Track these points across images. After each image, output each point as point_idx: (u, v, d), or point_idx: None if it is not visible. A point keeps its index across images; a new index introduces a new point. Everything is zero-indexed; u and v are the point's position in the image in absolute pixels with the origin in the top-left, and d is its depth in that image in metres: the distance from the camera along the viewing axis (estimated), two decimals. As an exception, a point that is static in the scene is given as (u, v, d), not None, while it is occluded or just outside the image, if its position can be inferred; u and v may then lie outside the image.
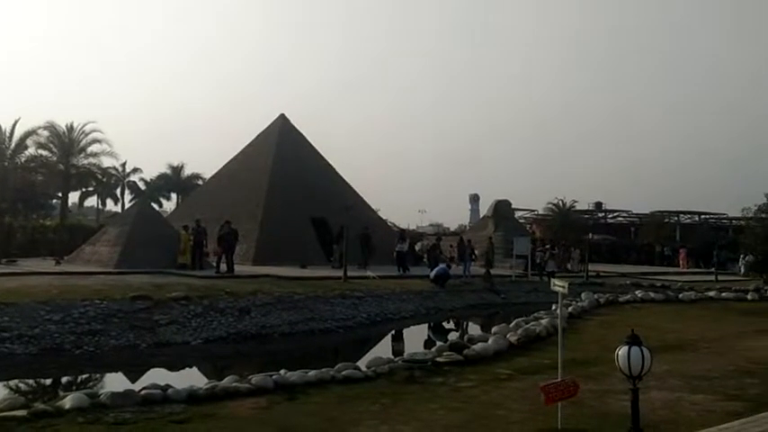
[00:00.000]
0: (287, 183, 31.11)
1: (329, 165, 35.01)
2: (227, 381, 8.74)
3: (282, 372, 9.12)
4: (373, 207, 37.50)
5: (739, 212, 33.48)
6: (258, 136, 35.06)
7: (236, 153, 35.41)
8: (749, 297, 22.91)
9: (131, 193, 61.75)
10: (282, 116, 35.02)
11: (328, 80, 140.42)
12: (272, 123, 34.99)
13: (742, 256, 34.29)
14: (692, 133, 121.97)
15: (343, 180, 34.94)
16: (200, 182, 54.64)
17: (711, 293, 23.23)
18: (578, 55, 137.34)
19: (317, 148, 35.14)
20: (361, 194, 35.16)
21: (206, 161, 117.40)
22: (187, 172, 63.60)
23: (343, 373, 9.29)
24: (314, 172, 32.92)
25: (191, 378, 11.71)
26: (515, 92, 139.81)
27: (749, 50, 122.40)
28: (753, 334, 14.27)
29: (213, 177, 36.97)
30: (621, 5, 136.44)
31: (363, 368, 9.78)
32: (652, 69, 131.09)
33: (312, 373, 9.13)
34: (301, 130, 35.16)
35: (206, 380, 9.61)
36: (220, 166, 35.84)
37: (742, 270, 32.95)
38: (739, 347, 12.42)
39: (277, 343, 15.90)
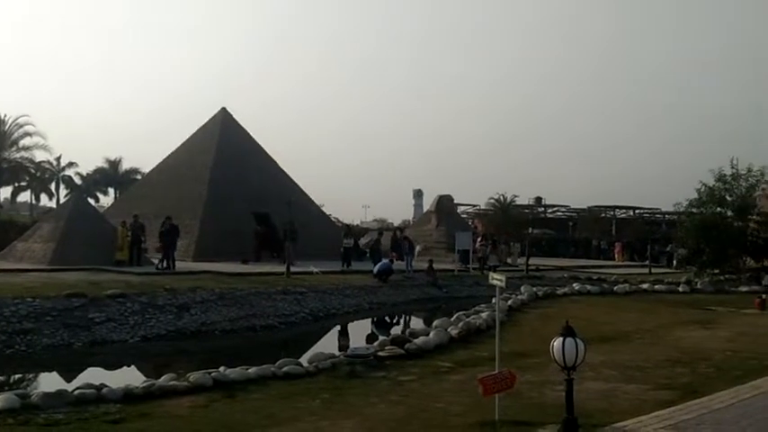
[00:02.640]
0: (228, 177, 30.73)
1: (272, 159, 34.72)
2: (165, 379, 8.58)
3: (222, 369, 9.00)
4: (317, 202, 37.45)
5: (672, 207, 34.62)
6: (199, 130, 34.47)
7: (175, 147, 34.79)
8: (680, 289, 23.76)
9: (66, 188, 60.02)
10: (224, 110, 34.53)
11: (271, 74, 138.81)
12: (213, 117, 34.46)
13: (672, 247, 35.56)
14: (628, 131, 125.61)
15: (287, 175, 34.70)
16: (139, 176, 53.48)
17: (645, 286, 24.00)
18: (522, 52, 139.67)
19: (259, 142, 34.85)
20: (304, 189, 35.04)
21: (145, 155, 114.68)
22: (125, 166, 62.19)
23: (285, 369, 9.23)
24: (256, 167, 32.61)
25: (128, 377, 11.46)
26: (457, 88, 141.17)
27: (694, 47, 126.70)
28: (683, 325, 14.80)
29: (152, 172, 36.22)
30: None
31: (305, 364, 9.75)
32: (591, 65, 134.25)
33: (252, 369, 9.05)
34: (243, 124, 34.82)
35: (144, 378, 9.42)
36: (160, 160, 35.18)
37: (674, 263, 34.09)
38: (671, 338, 12.87)
39: (218, 340, 15.70)
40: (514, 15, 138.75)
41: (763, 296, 18.72)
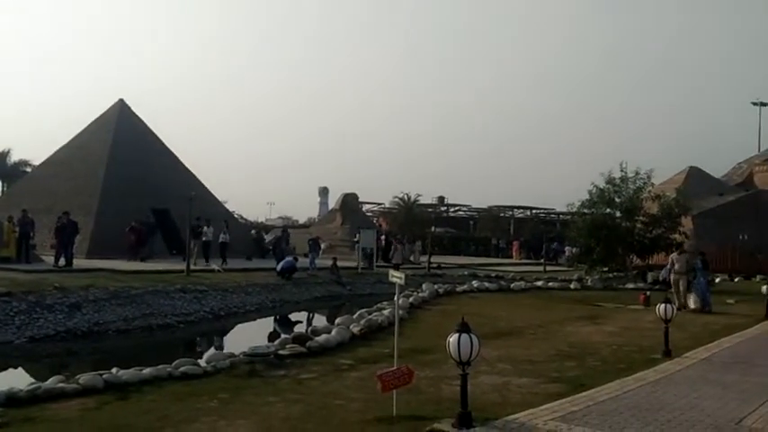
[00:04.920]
0: (125, 172, 29.59)
1: (173, 154, 33.70)
2: (52, 381, 8.18)
3: (114, 370, 8.67)
4: (220, 199, 36.76)
5: (565, 208, 36.18)
6: (93, 121, 32.95)
7: (69, 139, 33.14)
8: (572, 286, 24.89)
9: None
10: (121, 101, 33.17)
11: (172, 66, 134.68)
12: (110, 108, 33.01)
13: (567, 246, 37.17)
14: (518, 134, 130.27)
15: (188, 170, 33.78)
16: (29, 169, 50.60)
17: (539, 283, 24.99)
18: (429, 49, 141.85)
19: (160, 136, 33.76)
20: (207, 186, 34.27)
21: (35, 147, 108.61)
22: (14, 158, 58.66)
23: (181, 369, 8.99)
24: (156, 161, 31.56)
25: (12, 380, 10.81)
26: (364, 84, 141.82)
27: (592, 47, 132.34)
28: (574, 320, 15.50)
29: (43, 165, 34.32)
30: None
31: (203, 364, 9.54)
32: (483, 71, 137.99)
33: (147, 370, 8.76)
34: (143, 118, 33.62)
35: (30, 381, 8.96)
36: (51, 152, 33.40)
37: (568, 261, 35.62)
38: (562, 333, 13.45)
39: (112, 340, 15.13)
40: (416, 12, 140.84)
41: (648, 293, 19.87)
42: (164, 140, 33.78)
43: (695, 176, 50.58)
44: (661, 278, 22.65)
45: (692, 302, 17.83)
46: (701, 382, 8.59)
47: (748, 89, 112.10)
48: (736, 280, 32.42)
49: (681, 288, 18.20)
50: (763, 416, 6.95)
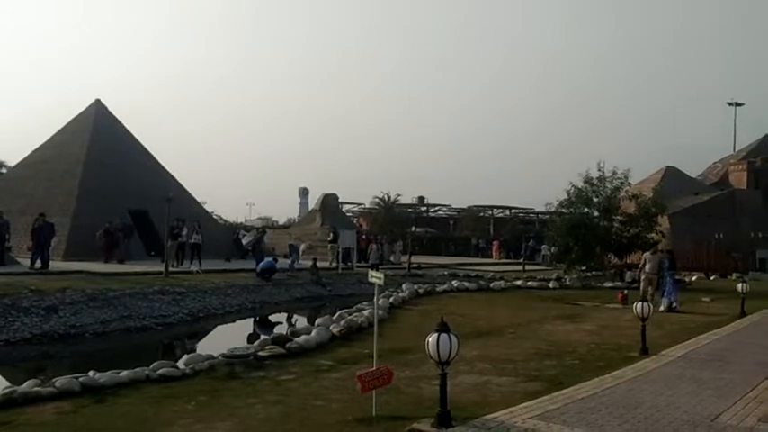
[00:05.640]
0: (103, 173, 29.24)
1: (150, 155, 33.38)
2: (28, 385, 8.06)
3: (91, 373, 8.58)
4: (199, 200, 36.49)
5: (544, 207, 36.39)
6: (70, 122, 32.54)
7: (45, 140, 32.70)
8: (551, 285, 25.04)
9: None
10: (98, 101, 32.79)
11: (145, 70, 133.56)
12: (87, 109, 32.61)
13: (545, 246, 37.42)
14: (499, 134, 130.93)
15: (166, 171, 33.49)
16: (4, 170, 49.88)
17: (519, 282, 25.11)
18: (406, 51, 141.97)
19: (137, 137, 33.43)
20: (185, 187, 33.99)
21: (11, 148, 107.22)
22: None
23: (159, 371, 8.91)
24: (133, 162, 31.23)
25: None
26: (345, 85, 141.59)
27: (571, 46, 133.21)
28: (553, 319, 15.61)
29: (19, 166, 33.83)
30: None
31: (181, 365, 9.47)
32: (450, 69, 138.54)
33: (124, 373, 8.67)
34: (121, 119, 33.26)
35: (6, 385, 8.84)
36: (27, 153, 32.94)
37: (547, 260, 35.85)
38: (541, 332, 13.54)
39: (89, 343, 14.93)
40: (405, 14, 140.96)
41: (626, 291, 20.03)
42: (142, 142, 33.50)
43: (672, 176, 51.23)
44: (633, 278, 22.77)
45: (660, 303, 17.84)
46: (678, 380, 8.69)
47: (725, 90, 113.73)
48: (711, 278, 32.86)
49: (651, 288, 18.24)
50: (738, 412, 7.05)
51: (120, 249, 25.84)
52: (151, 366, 9.11)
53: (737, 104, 61.52)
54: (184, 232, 25.89)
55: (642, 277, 18.63)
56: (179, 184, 33.27)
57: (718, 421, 6.70)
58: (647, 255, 19.37)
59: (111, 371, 8.73)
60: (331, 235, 31.88)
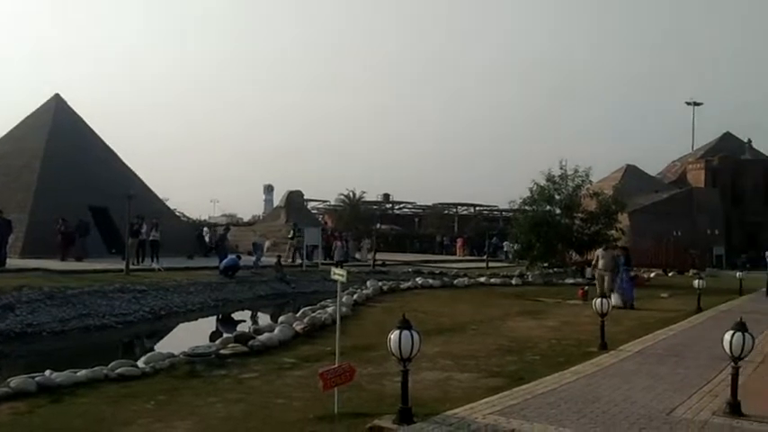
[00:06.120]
0: (62, 168, 28.69)
1: (112, 151, 32.83)
2: (-19, 386, 7.88)
3: (47, 372, 8.40)
4: (161, 196, 36.00)
5: (507, 205, 36.76)
6: (28, 117, 31.82)
7: (1, 135, 31.93)
8: (514, 282, 25.29)
9: None
10: (57, 96, 32.12)
11: (108, 69, 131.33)
12: (46, 104, 31.94)
13: (508, 243, 37.78)
14: (463, 132, 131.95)
15: (128, 167, 32.96)
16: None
17: (482, 279, 25.30)
18: (383, 52, 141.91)
19: (98, 133, 32.83)
20: (147, 183, 33.52)
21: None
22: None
23: (118, 370, 8.77)
24: (94, 158, 30.68)
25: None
26: (307, 83, 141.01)
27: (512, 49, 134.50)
28: (515, 315, 15.77)
29: (-27, 161, 32.98)
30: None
31: (141, 364, 9.34)
32: (427, 66, 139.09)
33: (82, 372, 8.52)
34: (81, 115, 32.60)
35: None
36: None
37: (510, 257, 36.19)
38: (503, 328, 13.66)
39: (46, 342, 14.63)
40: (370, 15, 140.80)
41: (586, 288, 20.30)
42: (103, 138, 32.91)
43: (632, 174, 52.22)
44: (589, 275, 22.87)
45: (614, 299, 17.86)
46: (635, 375, 8.84)
47: (684, 89, 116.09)
48: (670, 274, 33.56)
49: (605, 285, 17.86)
50: (693, 406, 7.20)
51: (77, 247, 25.34)
52: (110, 365, 8.96)
53: (696, 104, 62.85)
54: (144, 229, 25.53)
55: (597, 275, 18.49)
56: (141, 180, 32.81)
57: (673, 415, 6.83)
58: (599, 252, 19.22)
59: (69, 370, 8.57)
60: (291, 232, 31.74)
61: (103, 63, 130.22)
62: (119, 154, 33.12)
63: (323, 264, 28.48)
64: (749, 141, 57.22)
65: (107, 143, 32.90)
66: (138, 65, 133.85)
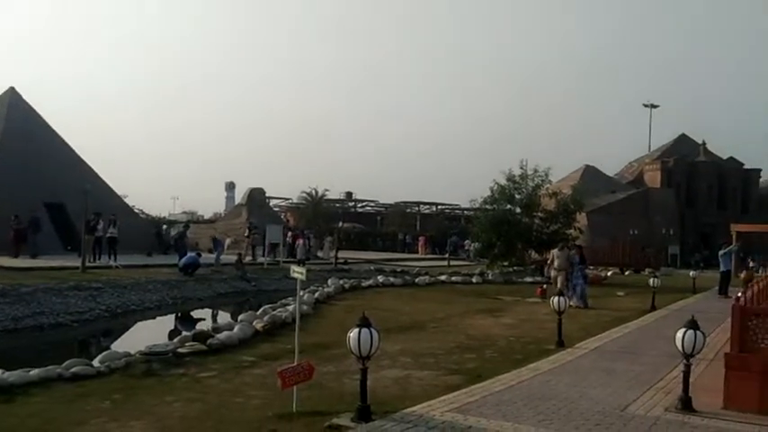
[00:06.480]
0: (16, 163, 27.92)
1: (69, 146, 32.09)
2: (-72, 386, 7.65)
3: (-1, 372, 8.22)
4: (119, 193, 35.37)
5: (469, 204, 37.06)
6: (-19, 111, 30.93)
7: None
8: (474, 280, 25.48)
9: None
10: (12, 89, 31.26)
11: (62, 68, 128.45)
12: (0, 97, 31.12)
13: (468, 242, 38.10)
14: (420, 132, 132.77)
15: (86, 163, 32.24)
16: None
17: (443, 277, 25.44)
18: (339, 53, 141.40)
19: (56, 128, 32.06)
20: (106, 180, 32.85)
21: None
22: None
23: (73, 369, 8.59)
24: (50, 153, 29.90)
25: None
26: (269, 81, 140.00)
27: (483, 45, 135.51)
28: (474, 313, 15.90)
29: None
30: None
31: (96, 363, 9.15)
32: (377, 67, 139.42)
33: (35, 371, 8.31)
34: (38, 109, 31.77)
35: None
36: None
37: (471, 255, 36.50)
38: (462, 326, 13.76)
39: (-2, 341, 14.28)
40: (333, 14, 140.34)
41: (545, 286, 20.56)
42: (60, 133, 32.17)
43: (590, 174, 53.12)
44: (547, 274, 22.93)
45: (571, 299, 17.99)
46: (591, 372, 9.01)
47: (642, 91, 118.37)
48: (626, 273, 34.20)
49: (560, 284, 17.70)
50: (646, 402, 7.36)
51: (29, 244, 24.72)
52: (64, 365, 8.77)
53: (653, 106, 64.15)
54: (100, 226, 25.06)
55: (552, 274, 18.68)
56: (99, 176, 32.15)
57: (627, 411, 6.98)
58: (554, 251, 19.43)
59: (21, 369, 8.36)
60: (246, 230, 31.51)
61: (55, 59, 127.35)
62: (76, 149, 32.42)
63: (285, 262, 28.33)
64: (704, 143, 58.66)
65: (64, 138, 32.18)
66: (97, 64, 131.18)
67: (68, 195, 27.13)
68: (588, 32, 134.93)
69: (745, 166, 57.72)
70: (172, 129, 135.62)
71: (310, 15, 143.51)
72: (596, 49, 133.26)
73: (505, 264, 29.15)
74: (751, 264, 33.50)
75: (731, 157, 57.94)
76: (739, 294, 8.16)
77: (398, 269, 28.84)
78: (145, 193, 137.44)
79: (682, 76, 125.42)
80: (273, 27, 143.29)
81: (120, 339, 15.92)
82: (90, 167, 32.26)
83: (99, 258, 24.54)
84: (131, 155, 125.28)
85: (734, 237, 35.93)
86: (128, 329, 17.20)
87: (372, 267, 29.37)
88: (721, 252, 22.82)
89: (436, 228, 53.13)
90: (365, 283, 22.18)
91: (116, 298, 18.62)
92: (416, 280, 24.34)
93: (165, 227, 35.85)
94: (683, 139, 60.25)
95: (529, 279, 26.32)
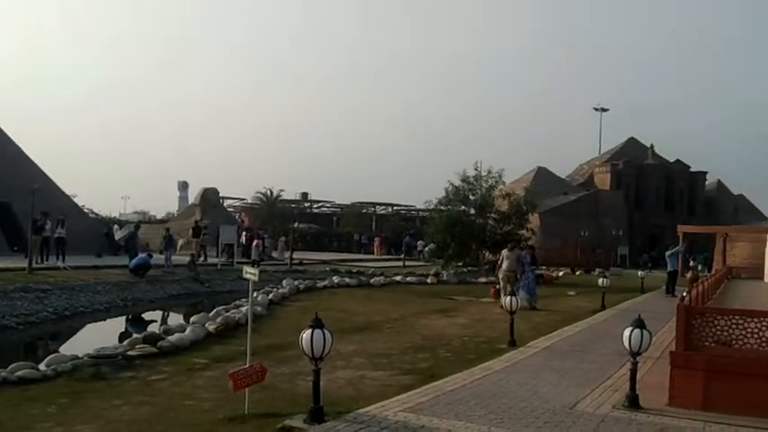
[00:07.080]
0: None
1: (15, 144, 31.16)
2: None
3: (-60, 377, 7.95)
4: (69, 192, 34.52)
5: (424, 204, 37.25)
6: None
7: None
8: (429, 281, 25.65)
9: None
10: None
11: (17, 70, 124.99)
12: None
13: (422, 243, 38.32)
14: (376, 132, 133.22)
15: (33, 162, 31.36)
16: None
17: (398, 278, 25.54)
18: (295, 56, 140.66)
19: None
20: (54, 179, 32.02)
21: None
22: None
23: (18, 373, 8.38)
24: (-5, 151, 29.06)
25: None
26: (224, 80, 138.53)
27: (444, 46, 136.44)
28: (428, 313, 16.00)
29: None
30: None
31: (42, 367, 8.94)
32: (334, 68, 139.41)
33: (-22, 376, 8.11)
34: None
35: None
36: None
37: (426, 256, 36.71)
38: (417, 326, 13.85)
39: (-62, 345, 13.81)
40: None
41: (498, 286, 20.69)
42: (5, 130, 31.21)
43: (543, 176, 53.97)
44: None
45: (520, 299, 17.53)
46: (542, 370, 9.14)
47: (593, 94, 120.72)
48: (577, 273, 34.88)
49: (509, 286, 17.07)
50: (595, 400, 7.51)
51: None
52: (9, 368, 8.56)
53: (603, 110, 65.55)
54: (48, 226, 24.42)
55: (501, 276, 17.81)
56: (47, 175, 31.31)
57: (576, 409, 7.10)
58: (504, 252, 18.64)
59: (-37, 375, 8.13)
60: (191, 231, 31.07)
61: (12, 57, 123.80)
62: (23, 147, 31.52)
63: (239, 263, 28.02)
64: (652, 147, 60.15)
65: (9, 135, 31.24)
66: (47, 59, 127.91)
67: (15, 194, 26.35)
68: (540, 36, 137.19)
69: (692, 169, 59.43)
70: (121, 124, 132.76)
71: (268, 15, 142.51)
72: (549, 53, 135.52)
73: (460, 264, 29.40)
74: (691, 263, 34.39)
75: (678, 160, 59.57)
76: (684, 294, 8.37)
77: (354, 270, 28.84)
78: (95, 192, 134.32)
79: (631, 80, 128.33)
80: (227, 24, 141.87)
81: (68, 342, 15.54)
82: (38, 166, 31.41)
83: (47, 259, 23.90)
84: (82, 154, 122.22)
85: (681, 238, 36.96)
86: (76, 332, 16.82)
87: (328, 268, 29.30)
88: (668, 253, 23.41)
89: (392, 228, 53.29)
90: (320, 284, 22.12)
91: (64, 300, 18.19)
92: (372, 280, 24.39)
93: (115, 227, 35.09)
94: (631, 142, 61.69)
95: (483, 279, 26.58)
